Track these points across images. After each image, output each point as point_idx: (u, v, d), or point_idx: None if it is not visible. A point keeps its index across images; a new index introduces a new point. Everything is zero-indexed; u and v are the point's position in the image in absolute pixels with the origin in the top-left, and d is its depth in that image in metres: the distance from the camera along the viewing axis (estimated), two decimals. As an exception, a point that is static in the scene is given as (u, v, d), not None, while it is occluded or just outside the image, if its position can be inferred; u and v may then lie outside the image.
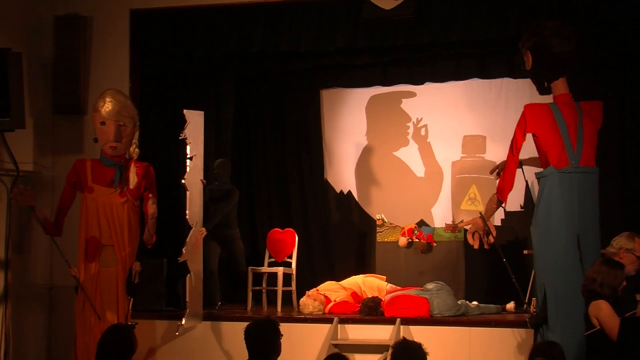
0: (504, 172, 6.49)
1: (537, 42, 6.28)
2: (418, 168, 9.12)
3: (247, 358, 4.86)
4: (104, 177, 6.61)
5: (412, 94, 9.20)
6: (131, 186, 6.63)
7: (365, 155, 9.32)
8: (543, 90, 6.48)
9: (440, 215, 8.85)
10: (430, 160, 9.09)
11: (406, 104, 9.25)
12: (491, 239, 6.56)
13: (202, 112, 7.40)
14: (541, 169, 6.43)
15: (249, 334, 4.89)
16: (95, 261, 6.49)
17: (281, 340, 4.87)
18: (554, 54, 6.25)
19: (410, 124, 9.18)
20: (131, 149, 6.76)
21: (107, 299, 6.48)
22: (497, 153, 8.66)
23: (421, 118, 9.10)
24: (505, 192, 6.46)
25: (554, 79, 6.37)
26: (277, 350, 4.84)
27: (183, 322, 7.06)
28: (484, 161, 8.83)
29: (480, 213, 6.69)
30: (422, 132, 9.11)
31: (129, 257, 6.63)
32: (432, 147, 9.09)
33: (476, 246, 6.63)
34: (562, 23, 6.32)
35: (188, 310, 7.11)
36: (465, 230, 8.12)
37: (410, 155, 9.17)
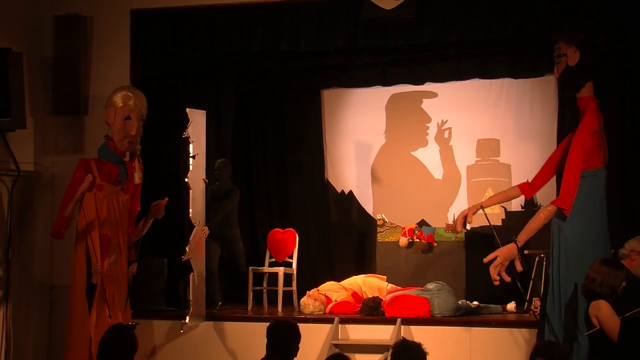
0: (571, 175, 5.92)
1: (586, 39, 6.07)
2: (435, 169, 9.13)
3: (265, 356, 4.97)
4: (109, 174, 6.61)
5: (428, 94, 9.21)
6: (137, 181, 6.65)
7: (380, 154, 9.33)
8: (576, 89, 6.17)
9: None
10: (448, 163, 9.09)
11: (415, 103, 9.27)
12: (519, 267, 5.95)
13: (204, 111, 7.41)
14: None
15: (272, 333, 4.97)
16: (106, 259, 6.48)
17: None
18: (600, 53, 6.16)
19: (430, 125, 9.18)
20: (137, 146, 6.77)
21: (119, 297, 6.49)
22: (509, 155, 8.71)
23: (446, 120, 9.10)
24: (571, 200, 5.90)
25: (590, 79, 6.17)
26: (295, 352, 4.97)
27: (187, 320, 7.06)
28: (499, 164, 8.85)
29: (515, 239, 5.93)
30: (446, 134, 9.11)
31: (126, 252, 6.66)
32: (453, 150, 9.11)
33: (497, 283, 5.91)
34: (597, 26, 6.25)
35: (192, 309, 7.11)
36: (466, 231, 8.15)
37: (428, 156, 9.20)
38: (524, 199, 8.69)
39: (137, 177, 6.68)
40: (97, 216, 6.48)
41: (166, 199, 6.71)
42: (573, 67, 6.13)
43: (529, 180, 6.54)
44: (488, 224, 6.19)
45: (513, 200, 8.77)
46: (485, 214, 6.32)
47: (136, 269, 6.76)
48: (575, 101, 6.24)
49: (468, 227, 7.04)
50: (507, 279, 5.90)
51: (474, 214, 6.33)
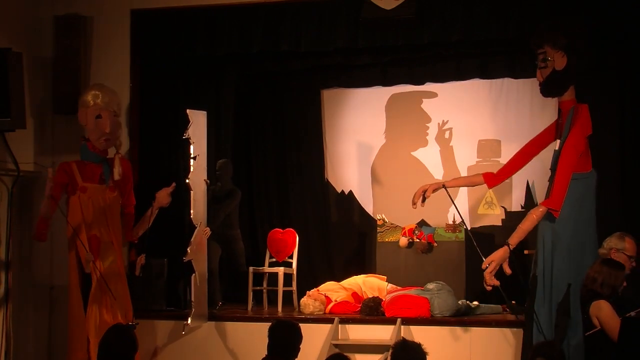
0: (563, 178, 5.98)
1: (571, 42, 6.10)
2: (435, 170, 9.11)
3: (265, 356, 5.01)
4: (93, 174, 6.60)
5: (428, 94, 9.20)
6: (117, 177, 6.59)
7: (380, 154, 9.34)
8: (561, 93, 6.23)
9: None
10: (448, 163, 9.07)
11: (415, 104, 9.27)
12: (507, 271, 6.06)
13: (205, 112, 7.41)
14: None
15: (273, 333, 4.99)
16: (98, 259, 6.46)
17: None
18: (585, 55, 6.17)
19: (430, 125, 9.17)
20: (117, 142, 6.75)
21: (118, 295, 6.47)
22: (509, 155, 8.69)
23: (447, 121, 9.10)
24: (561, 202, 5.97)
25: (574, 82, 6.21)
26: (296, 353, 5.02)
27: (189, 321, 7.06)
28: (500, 165, 8.82)
29: (508, 243, 6.00)
30: (446, 135, 9.11)
31: (121, 250, 6.64)
32: (453, 150, 9.10)
33: (490, 288, 6.05)
34: (582, 25, 6.24)
35: (193, 310, 7.11)
36: (466, 230, 8.14)
37: (428, 156, 9.20)
38: (524, 200, 8.71)
39: (117, 173, 6.63)
40: (82, 219, 6.46)
41: (173, 184, 6.69)
42: (560, 71, 6.14)
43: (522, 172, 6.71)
44: (454, 205, 6.61)
45: (513, 201, 8.82)
46: (448, 193, 6.52)
47: (144, 260, 6.75)
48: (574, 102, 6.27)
49: (451, 215, 7.68)
50: (496, 282, 5.98)
51: (434, 190, 6.56)
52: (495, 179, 6.63)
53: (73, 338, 6.44)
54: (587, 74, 7.13)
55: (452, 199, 6.54)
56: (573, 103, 6.21)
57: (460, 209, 8.75)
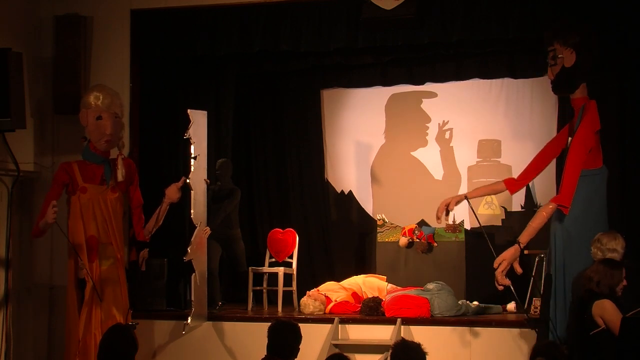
0: (572, 175, 5.92)
1: (581, 40, 6.07)
2: (435, 170, 9.12)
3: (265, 356, 5.00)
4: (94, 175, 6.58)
5: (428, 94, 9.21)
6: (120, 178, 6.58)
7: (379, 154, 9.35)
8: (571, 90, 6.19)
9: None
10: (448, 163, 9.08)
11: (415, 104, 9.27)
12: (518, 269, 6.00)
13: (206, 112, 7.41)
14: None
15: (273, 334, 5.02)
16: (96, 260, 6.46)
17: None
18: (594, 54, 6.16)
19: (430, 125, 9.18)
20: (120, 143, 6.74)
21: (114, 297, 6.47)
22: (509, 156, 8.71)
23: (447, 121, 9.11)
24: (571, 199, 5.89)
25: (585, 80, 6.19)
26: (296, 353, 5.01)
27: (189, 320, 7.06)
28: (500, 165, 8.86)
29: (519, 242, 5.97)
30: (447, 135, 9.11)
31: (124, 251, 6.64)
32: (453, 150, 9.12)
33: (501, 288, 6.00)
34: (591, 26, 6.25)
35: (194, 309, 7.11)
36: (466, 230, 8.15)
37: (428, 156, 9.21)
38: (524, 200, 8.71)
39: (120, 175, 6.62)
40: (82, 220, 6.45)
41: (182, 179, 6.67)
42: (570, 68, 6.14)
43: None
44: (475, 217, 6.48)
45: (513, 201, 8.81)
46: (470, 204, 6.43)
47: (147, 254, 6.74)
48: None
49: (451, 215, 7.29)
50: (508, 282, 5.95)
51: (456, 203, 6.46)
52: (516, 184, 6.53)
53: (70, 339, 6.44)
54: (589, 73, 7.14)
55: (473, 211, 6.46)
56: (585, 101, 6.16)
57: (461, 208, 8.78)
